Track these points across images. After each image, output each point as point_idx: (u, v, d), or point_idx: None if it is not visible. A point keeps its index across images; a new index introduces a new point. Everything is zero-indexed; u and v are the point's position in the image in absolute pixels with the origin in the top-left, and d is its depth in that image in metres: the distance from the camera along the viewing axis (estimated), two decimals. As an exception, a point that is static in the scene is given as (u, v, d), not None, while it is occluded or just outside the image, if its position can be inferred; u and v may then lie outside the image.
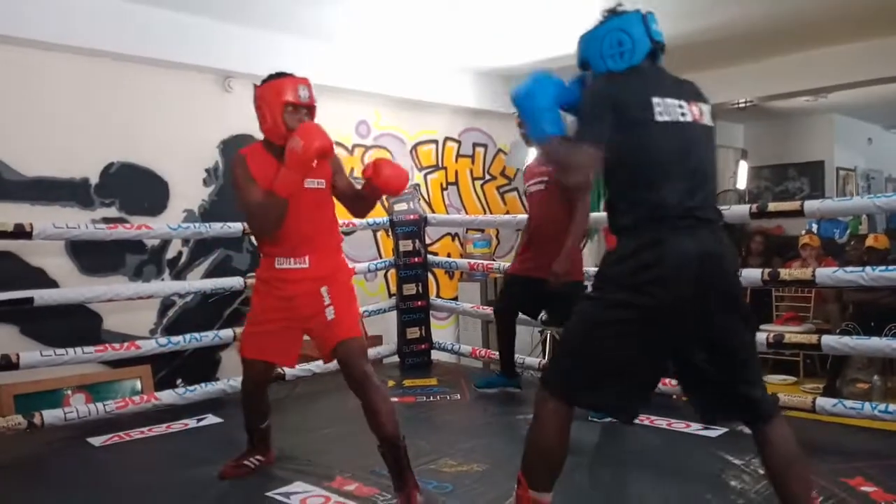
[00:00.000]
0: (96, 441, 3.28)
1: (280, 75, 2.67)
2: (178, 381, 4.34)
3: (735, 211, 3.92)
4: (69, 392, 3.97)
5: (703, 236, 1.88)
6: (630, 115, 1.93)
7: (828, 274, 3.42)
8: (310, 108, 2.67)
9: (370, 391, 2.49)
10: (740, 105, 6.96)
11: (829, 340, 3.40)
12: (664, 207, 1.88)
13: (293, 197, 2.49)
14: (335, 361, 2.58)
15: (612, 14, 2.12)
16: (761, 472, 2.79)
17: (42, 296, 3.54)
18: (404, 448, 2.49)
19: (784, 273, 3.56)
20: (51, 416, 3.42)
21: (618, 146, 1.92)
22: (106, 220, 4.17)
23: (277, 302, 2.61)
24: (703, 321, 1.89)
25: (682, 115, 1.96)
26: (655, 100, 1.94)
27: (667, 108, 1.95)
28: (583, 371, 1.96)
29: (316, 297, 2.56)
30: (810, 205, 3.49)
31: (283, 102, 2.57)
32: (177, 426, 3.56)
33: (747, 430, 2.96)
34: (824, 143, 9.28)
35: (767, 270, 3.60)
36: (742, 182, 9.13)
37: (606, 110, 1.94)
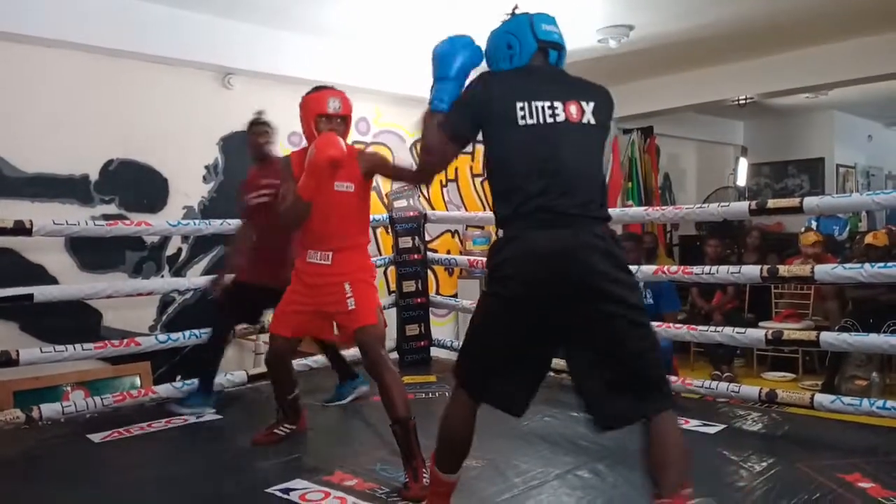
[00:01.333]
0: (96, 437, 3.29)
1: (317, 89, 2.94)
2: (178, 377, 4.34)
3: (734, 208, 3.93)
4: (68, 389, 3.98)
5: (562, 234, 1.92)
6: (494, 119, 2.02)
7: (827, 270, 3.43)
8: (343, 118, 2.92)
9: (384, 373, 2.75)
10: (740, 102, 6.95)
11: (827, 337, 3.41)
12: (523, 205, 1.96)
13: (322, 198, 2.73)
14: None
15: (510, 17, 2.20)
16: (759, 467, 2.80)
17: (42, 292, 3.55)
18: (413, 427, 2.69)
19: (783, 270, 3.56)
20: (49, 409, 3.44)
21: (488, 148, 2.06)
22: (106, 217, 4.18)
23: (304, 289, 2.92)
24: (564, 315, 1.94)
25: (553, 115, 1.99)
26: (520, 104, 1.99)
27: (533, 111, 1.99)
28: (471, 364, 2.11)
29: (338, 289, 2.84)
30: (809, 202, 3.50)
31: (316, 113, 2.85)
32: (176, 421, 3.57)
33: (747, 428, 2.97)
34: (824, 140, 9.28)
35: (766, 267, 3.61)
36: (742, 179, 9.14)
37: (468, 111, 2.06)
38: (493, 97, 2.02)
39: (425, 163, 2.20)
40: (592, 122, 2.04)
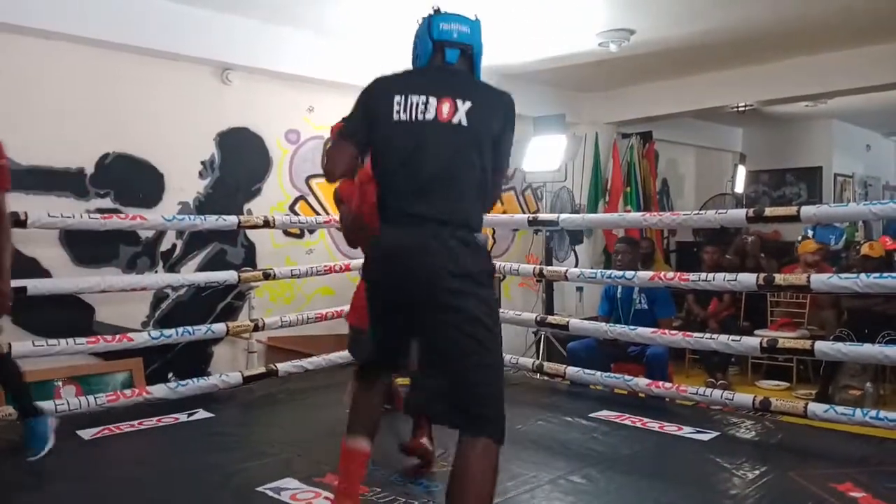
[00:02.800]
0: (86, 434, 3.27)
1: None
2: (170, 375, 4.32)
3: (732, 215, 3.93)
4: (60, 383, 3.95)
5: (407, 234, 1.94)
6: (376, 115, 2.03)
7: (823, 280, 3.43)
8: None
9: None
10: (740, 109, 6.95)
11: (822, 346, 3.41)
12: (389, 201, 2.02)
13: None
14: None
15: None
16: (751, 475, 2.80)
17: (35, 285, 3.53)
18: None
19: (779, 278, 3.56)
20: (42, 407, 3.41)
21: (373, 144, 2.07)
22: (100, 211, 4.15)
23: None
24: (407, 310, 1.96)
25: (423, 112, 1.96)
26: (397, 98, 1.99)
27: (407, 106, 1.98)
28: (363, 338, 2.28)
29: None
30: (807, 210, 3.50)
31: None
32: (167, 420, 3.55)
33: (741, 435, 2.97)
34: (823, 149, 9.29)
35: (763, 275, 3.60)
36: (740, 186, 9.14)
37: (359, 109, 2.08)
38: (374, 94, 2.06)
39: (327, 173, 2.16)
40: (464, 123, 1.96)
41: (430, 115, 1.96)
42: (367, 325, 2.45)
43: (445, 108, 1.96)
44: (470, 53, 2.11)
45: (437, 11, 2.13)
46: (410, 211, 1.95)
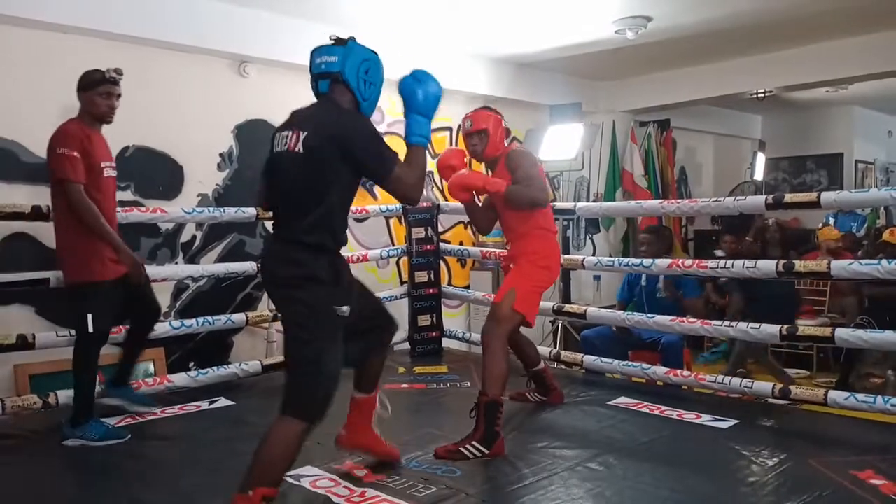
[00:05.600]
0: (110, 422, 3.31)
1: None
2: (191, 364, 4.37)
3: (751, 202, 3.89)
4: (84, 373, 4.00)
5: (269, 246, 2.62)
6: (270, 150, 2.38)
7: (843, 266, 3.39)
8: (477, 133, 3.32)
9: (485, 351, 3.05)
10: (759, 95, 6.89)
11: (842, 333, 3.37)
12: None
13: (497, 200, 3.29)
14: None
15: None
16: (770, 462, 2.79)
17: (58, 277, 3.57)
18: (484, 404, 2.91)
19: (799, 265, 3.53)
20: (65, 395, 3.46)
21: None
22: (121, 204, 4.17)
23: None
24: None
25: (283, 145, 2.29)
26: (279, 135, 2.34)
27: (279, 140, 2.32)
28: None
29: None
30: (827, 196, 3.46)
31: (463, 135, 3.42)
32: (189, 408, 3.60)
33: (760, 423, 2.96)
34: (844, 136, 9.17)
35: (782, 262, 3.57)
36: (759, 173, 9.05)
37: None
38: (273, 133, 2.39)
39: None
40: (301, 150, 2.23)
41: (284, 147, 2.28)
42: None
43: (293, 139, 2.26)
44: (342, 80, 2.31)
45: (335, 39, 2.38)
46: (272, 230, 2.44)
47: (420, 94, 2.36)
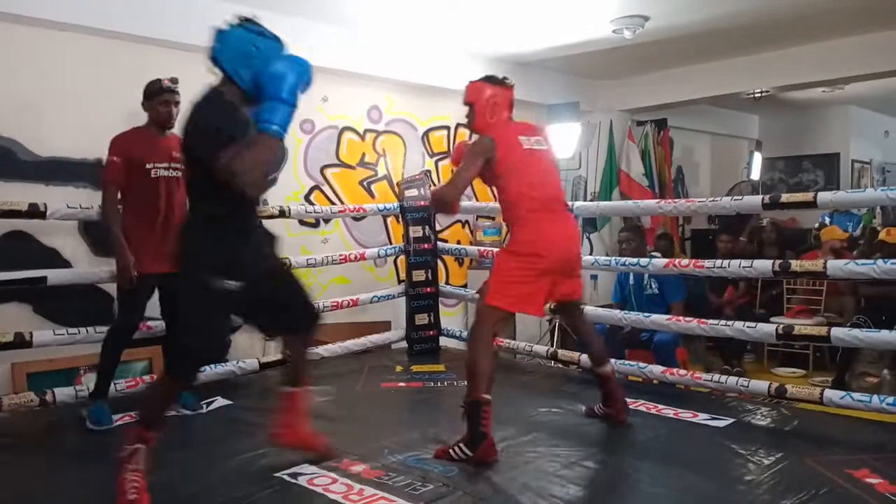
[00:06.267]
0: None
1: None
2: (189, 362, 4.37)
3: (747, 202, 3.91)
4: (82, 371, 4.01)
5: None
6: None
7: (839, 266, 3.40)
8: (468, 105, 3.16)
9: (468, 350, 2.98)
10: (756, 95, 6.90)
11: (838, 332, 3.39)
12: None
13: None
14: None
15: None
16: (767, 461, 2.80)
17: (55, 275, 3.58)
18: (467, 405, 2.84)
19: (796, 265, 3.54)
20: (62, 393, 3.48)
21: None
22: (119, 202, 4.19)
23: None
24: None
25: None
26: None
27: None
28: None
29: None
30: (823, 196, 3.47)
31: None
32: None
33: (756, 422, 2.97)
34: (840, 136, 9.19)
35: (779, 262, 3.58)
36: (756, 173, 9.07)
37: None
38: None
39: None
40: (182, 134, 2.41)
41: None
42: None
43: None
44: (221, 65, 2.38)
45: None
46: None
47: (276, 76, 2.25)
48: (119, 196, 3.37)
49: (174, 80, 3.43)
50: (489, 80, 3.13)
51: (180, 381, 2.52)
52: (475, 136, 3.14)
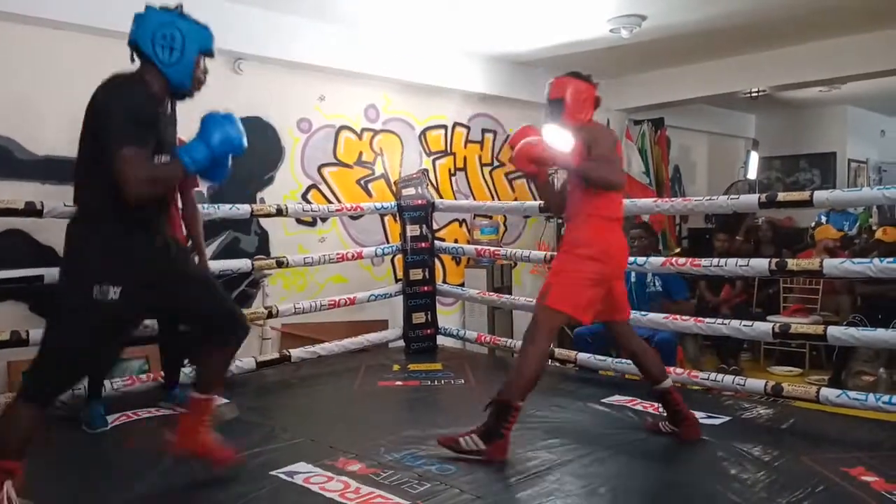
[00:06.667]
0: (109, 417, 3.31)
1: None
2: (185, 361, 4.36)
3: (744, 200, 3.91)
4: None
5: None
6: None
7: (835, 265, 3.41)
8: (553, 102, 3.03)
9: (519, 352, 2.89)
10: (752, 94, 6.91)
11: (834, 331, 3.39)
12: None
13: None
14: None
15: None
16: (763, 459, 2.81)
17: (52, 274, 3.56)
18: (496, 402, 2.77)
19: (792, 263, 3.55)
20: (59, 392, 3.46)
21: None
22: (115, 200, 4.19)
23: None
24: None
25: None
26: None
27: None
28: None
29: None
30: (819, 195, 3.48)
31: None
32: (183, 406, 3.58)
33: (753, 421, 2.96)
34: (837, 135, 9.21)
35: (775, 260, 3.59)
36: (752, 172, 9.08)
37: None
38: None
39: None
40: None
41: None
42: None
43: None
44: (136, 47, 2.40)
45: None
46: None
47: (218, 132, 2.36)
48: None
49: None
50: (575, 75, 2.98)
51: (38, 407, 2.27)
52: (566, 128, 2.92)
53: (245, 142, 2.39)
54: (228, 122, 2.37)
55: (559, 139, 2.85)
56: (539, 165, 2.99)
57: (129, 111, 2.24)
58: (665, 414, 3.11)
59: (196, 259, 3.30)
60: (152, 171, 2.25)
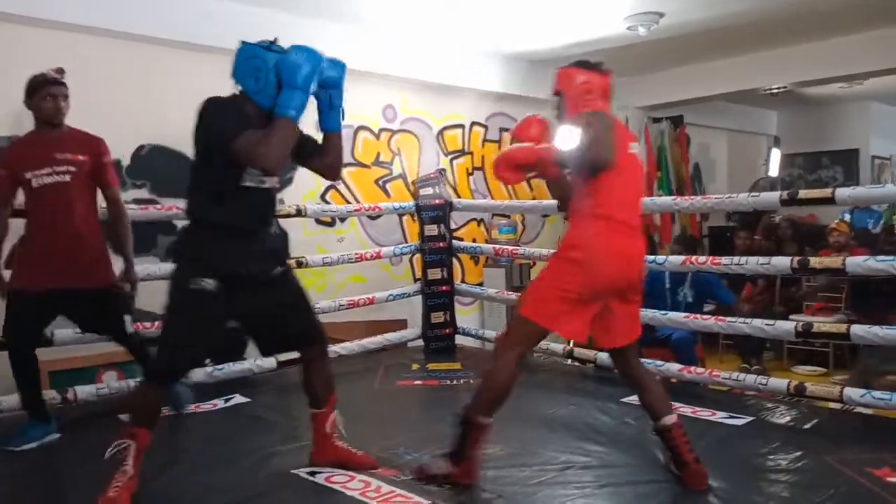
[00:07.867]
0: (127, 417, 3.34)
1: None
2: (207, 360, 4.40)
3: (765, 198, 3.87)
4: (102, 369, 4.05)
5: None
6: None
7: (858, 263, 3.36)
8: (556, 96, 2.78)
9: (491, 365, 2.63)
10: (773, 91, 6.84)
11: (858, 330, 3.35)
12: None
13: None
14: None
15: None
16: (786, 460, 2.78)
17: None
18: (459, 419, 2.61)
19: (814, 261, 3.50)
20: (84, 391, 3.52)
21: None
22: (137, 202, 4.24)
23: None
24: None
25: None
26: None
27: None
28: None
29: None
30: (841, 192, 3.43)
31: None
32: (205, 406, 3.62)
33: (775, 420, 2.93)
34: (860, 131, 9.10)
35: (797, 258, 3.55)
36: (774, 169, 8.99)
37: None
38: None
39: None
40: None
41: None
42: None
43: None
44: (238, 82, 2.52)
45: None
46: None
47: (296, 72, 2.36)
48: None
49: (60, 71, 3.13)
50: (580, 64, 2.68)
51: (158, 387, 2.52)
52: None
53: (321, 55, 2.45)
54: (299, 58, 2.37)
55: (567, 139, 2.56)
56: (524, 171, 2.76)
57: (236, 115, 2.43)
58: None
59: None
60: (266, 138, 2.32)
